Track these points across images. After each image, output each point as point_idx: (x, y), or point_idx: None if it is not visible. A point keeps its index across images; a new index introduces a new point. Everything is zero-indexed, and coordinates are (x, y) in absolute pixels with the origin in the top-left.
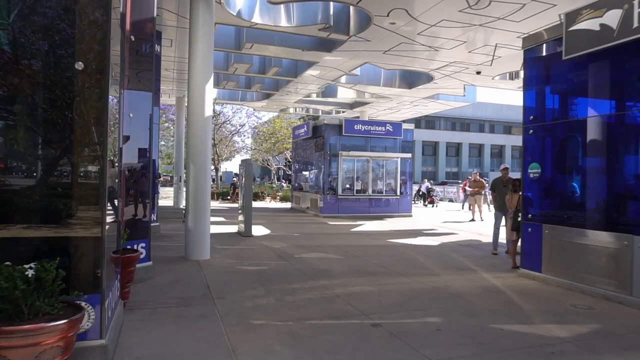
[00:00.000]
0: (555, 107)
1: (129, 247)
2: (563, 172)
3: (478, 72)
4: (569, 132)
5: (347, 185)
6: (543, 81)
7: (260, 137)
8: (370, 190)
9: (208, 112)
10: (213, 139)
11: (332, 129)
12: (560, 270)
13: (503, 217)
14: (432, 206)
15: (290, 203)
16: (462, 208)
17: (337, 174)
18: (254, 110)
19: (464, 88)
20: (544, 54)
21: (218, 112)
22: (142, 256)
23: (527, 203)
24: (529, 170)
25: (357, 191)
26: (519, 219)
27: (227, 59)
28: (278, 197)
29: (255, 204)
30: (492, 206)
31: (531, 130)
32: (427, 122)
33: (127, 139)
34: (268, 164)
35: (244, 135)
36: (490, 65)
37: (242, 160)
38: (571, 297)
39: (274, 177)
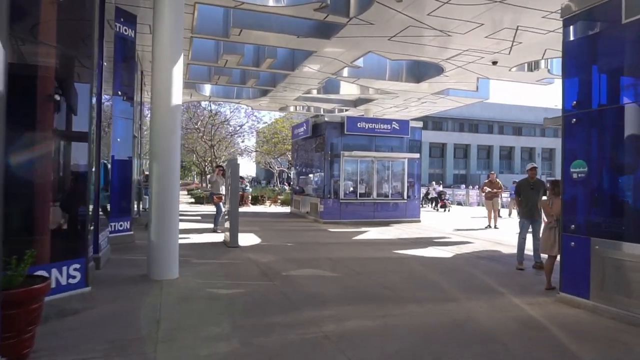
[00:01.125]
0: (608, 88)
1: (38, 273)
2: (619, 172)
3: (494, 63)
4: (628, 120)
5: (350, 189)
6: (590, 56)
7: (260, 138)
8: (374, 194)
9: (176, 98)
10: (210, 139)
11: (334, 128)
12: (615, 298)
13: (531, 226)
14: (445, 210)
15: (290, 207)
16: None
17: (338, 176)
18: (252, 109)
19: (477, 82)
20: (594, 20)
21: (215, 112)
22: (74, 281)
23: (568, 210)
24: (572, 170)
25: (361, 195)
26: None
27: (217, 50)
28: (279, 201)
29: (255, 208)
30: (513, 211)
31: (574, 120)
32: (434, 123)
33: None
34: (270, 167)
35: (244, 137)
36: (509, 53)
37: (228, 160)
38: (638, 337)
39: (276, 180)
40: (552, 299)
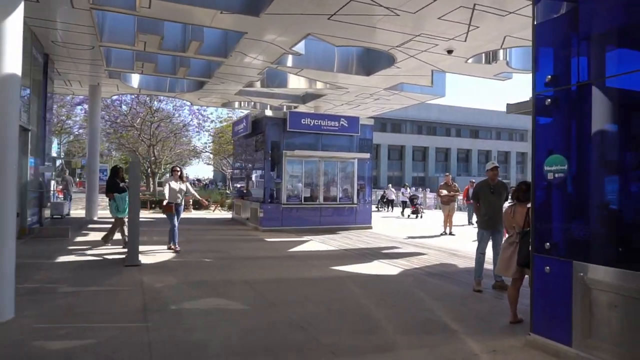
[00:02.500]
0: (595, 58)
1: None
2: (611, 170)
3: (449, 52)
4: (624, 99)
5: (294, 192)
6: (571, 19)
7: (209, 139)
8: (321, 198)
9: (12, 65)
10: (149, 139)
11: (275, 124)
12: (609, 349)
13: (491, 238)
14: (417, 217)
15: (232, 213)
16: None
17: (280, 179)
18: (192, 105)
19: (432, 76)
20: None
21: (155, 108)
22: None
23: (541, 222)
24: (547, 168)
25: (306, 199)
26: (529, 247)
27: (134, 29)
28: (226, 206)
29: (197, 214)
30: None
31: (548, 100)
32: (393, 125)
33: None
34: (223, 169)
35: (191, 136)
36: (465, 40)
37: (130, 159)
38: None
39: (228, 183)
40: (521, 342)
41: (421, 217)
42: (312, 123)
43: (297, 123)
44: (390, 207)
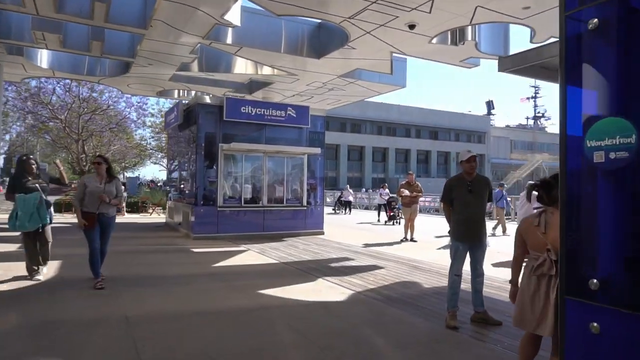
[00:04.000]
0: None
1: None
2: None
3: (411, 27)
4: None
5: (232, 193)
6: None
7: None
8: (265, 200)
9: None
10: (78, 133)
11: (209, 113)
12: None
13: (469, 253)
14: (394, 224)
15: (165, 217)
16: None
17: (215, 177)
18: (123, 93)
19: (391, 61)
20: None
21: (84, 97)
22: None
23: (580, 241)
24: (591, 144)
25: (247, 201)
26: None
27: None
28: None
29: (130, 218)
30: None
31: (594, 23)
32: (353, 125)
33: None
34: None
35: (132, 131)
36: (429, 11)
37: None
38: None
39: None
40: None
41: (399, 223)
42: (254, 112)
43: (235, 111)
44: (347, 209)
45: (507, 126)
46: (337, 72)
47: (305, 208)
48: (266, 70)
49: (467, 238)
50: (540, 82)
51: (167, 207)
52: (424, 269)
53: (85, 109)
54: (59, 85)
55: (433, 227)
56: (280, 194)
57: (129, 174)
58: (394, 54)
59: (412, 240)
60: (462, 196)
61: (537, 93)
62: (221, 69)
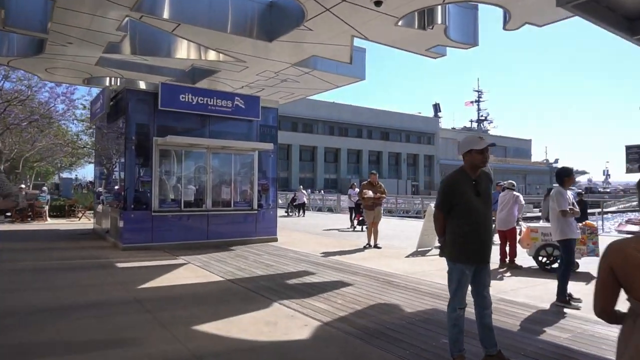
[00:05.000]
0: None
1: None
2: None
3: (377, 3)
4: None
5: (170, 195)
6: None
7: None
8: (209, 203)
9: None
10: None
11: (141, 101)
12: None
13: (475, 276)
14: (362, 229)
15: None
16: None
17: (150, 176)
18: (44, 81)
19: (352, 48)
20: None
21: None
22: None
23: None
24: None
25: (187, 204)
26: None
27: None
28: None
29: (52, 224)
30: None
31: None
32: (305, 125)
33: None
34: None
35: (59, 126)
36: None
37: None
38: None
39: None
40: None
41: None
42: (196, 101)
43: (173, 100)
44: (301, 212)
45: (453, 128)
46: (291, 59)
47: (256, 212)
48: (211, 56)
49: (476, 257)
50: (483, 86)
51: (94, 211)
52: (398, 285)
53: None
54: None
55: (395, 231)
56: (227, 196)
57: (65, 175)
58: (355, 40)
59: (376, 246)
60: (467, 200)
61: (481, 97)
62: (158, 52)
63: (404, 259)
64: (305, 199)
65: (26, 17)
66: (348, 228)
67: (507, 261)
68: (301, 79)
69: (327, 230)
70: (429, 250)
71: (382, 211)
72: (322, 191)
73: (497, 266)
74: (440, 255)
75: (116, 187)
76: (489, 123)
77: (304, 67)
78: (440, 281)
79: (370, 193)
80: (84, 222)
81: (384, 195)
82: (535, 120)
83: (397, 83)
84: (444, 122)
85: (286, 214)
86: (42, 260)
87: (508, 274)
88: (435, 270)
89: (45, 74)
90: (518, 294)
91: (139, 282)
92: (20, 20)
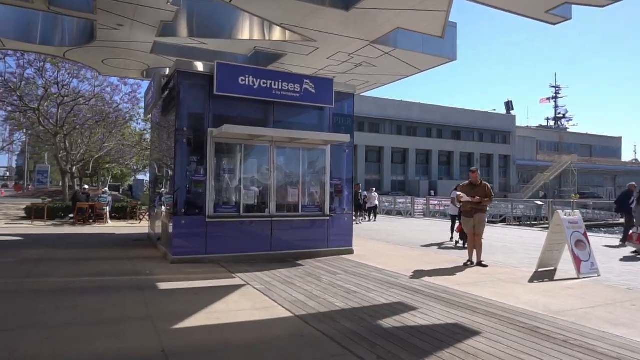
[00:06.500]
0: None
1: None
2: None
3: None
4: None
5: (227, 198)
6: None
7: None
8: (272, 207)
9: None
10: (55, 125)
11: (194, 85)
12: None
13: None
14: (464, 245)
15: (148, 228)
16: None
17: (203, 175)
18: (101, 75)
19: (447, 15)
20: None
21: (56, 80)
22: None
23: None
24: None
25: (248, 208)
26: None
27: None
28: None
29: (112, 227)
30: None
31: None
32: (371, 124)
33: None
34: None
35: (128, 126)
36: None
37: None
38: None
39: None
40: None
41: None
42: (258, 84)
43: (231, 83)
44: (372, 216)
45: (527, 127)
46: (370, 34)
47: (327, 218)
48: (276, 35)
49: None
50: (561, 82)
51: (149, 214)
52: (550, 336)
53: (66, 97)
54: (30, 67)
55: (489, 240)
56: (294, 199)
57: (140, 177)
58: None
59: (480, 264)
60: None
61: (558, 93)
62: (218, 33)
63: (529, 286)
64: (376, 202)
65: None
66: (449, 241)
67: None
68: (379, 62)
69: (425, 244)
70: (553, 270)
71: (485, 219)
72: (389, 193)
73: None
74: None
75: (166, 188)
76: (567, 121)
77: (383, 45)
78: (612, 330)
79: (464, 197)
80: (144, 224)
81: (487, 199)
82: (624, 116)
83: (462, 81)
84: (517, 121)
85: (355, 222)
86: (72, 275)
87: None
88: (589, 308)
89: (103, 66)
90: None
91: (177, 316)
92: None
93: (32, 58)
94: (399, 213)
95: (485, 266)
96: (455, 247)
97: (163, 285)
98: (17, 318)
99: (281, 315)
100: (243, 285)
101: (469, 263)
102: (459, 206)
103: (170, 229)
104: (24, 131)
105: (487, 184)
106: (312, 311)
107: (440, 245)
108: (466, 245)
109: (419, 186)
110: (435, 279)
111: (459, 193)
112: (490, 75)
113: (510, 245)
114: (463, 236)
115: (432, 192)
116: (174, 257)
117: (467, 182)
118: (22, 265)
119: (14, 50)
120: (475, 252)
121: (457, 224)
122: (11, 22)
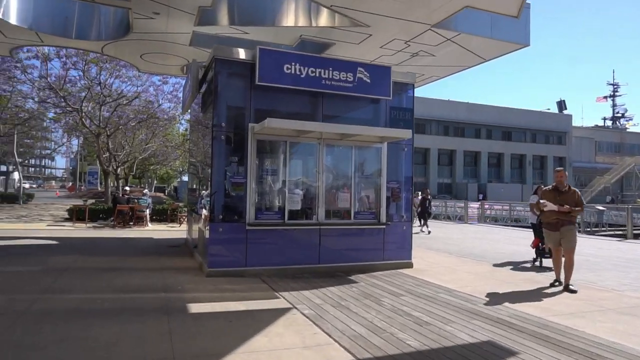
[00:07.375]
0: None
1: None
2: None
3: None
4: None
5: (270, 203)
6: None
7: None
8: (321, 213)
9: None
10: (99, 125)
11: (233, 74)
12: None
13: None
14: (541, 265)
15: (186, 233)
16: None
17: (244, 176)
18: (141, 72)
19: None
20: None
21: (97, 79)
22: None
23: None
24: None
25: (293, 214)
26: None
27: None
28: None
29: (151, 231)
30: None
31: None
32: (417, 125)
33: None
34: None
35: (168, 126)
36: None
37: None
38: None
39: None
40: None
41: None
42: (305, 73)
43: (275, 71)
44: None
45: (582, 127)
46: (434, 15)
47: (384, 226)
48: (323, 20)
49: None
50: (620, 79)
51: (186, 219)
52: None
53: (107, 97)
54: (73, 67)
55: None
56: (344, 205)
57: (186, 178)
58: None
59: (568, 289)
60: None
61: (617, 91)
62: (261, 20)
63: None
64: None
65: None
66: (534, 260)
67: None
68: (438, 50)
69: (492, 256)
70: None
71: (575, 233)
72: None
73: None
74: None
75: (203, 191)
76: (627, 120)
77: (446, 30)
78: None
79: (551, 205)
80: (184, 228)
81: (578, 209)
82: None
83: (510, 80)
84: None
85: (421, 229)
86: (94, 291)
87: None
88: None
89: (142, 62)
90: None
91: (206, 357)
92: None
93: (76, 59)
94: (447, 217)
95: (574, 291)
96: (532, 267)
97: (194, 308)
98: (3, 354)
99: (340, 358)
100: (289, 309)
101: (556, 284)
102: (538, 213)
103: (207, 236)
104: (75, 133)
105: (577, 190)
106: (379, 353)
107: (516, 266)
108: (544, 265)
109: (467, 189)
110: (523, 306)
111: (542, 201)
112: (539, 75)
113: (593, 260)
114: (539, 252)
115: (481, 196)
116: (209, 270)
117: (550, 186)
118: (45, 275)
119: (55, 47)
120: (564, 271)
121: (534, 238)
122: (48, 17)
